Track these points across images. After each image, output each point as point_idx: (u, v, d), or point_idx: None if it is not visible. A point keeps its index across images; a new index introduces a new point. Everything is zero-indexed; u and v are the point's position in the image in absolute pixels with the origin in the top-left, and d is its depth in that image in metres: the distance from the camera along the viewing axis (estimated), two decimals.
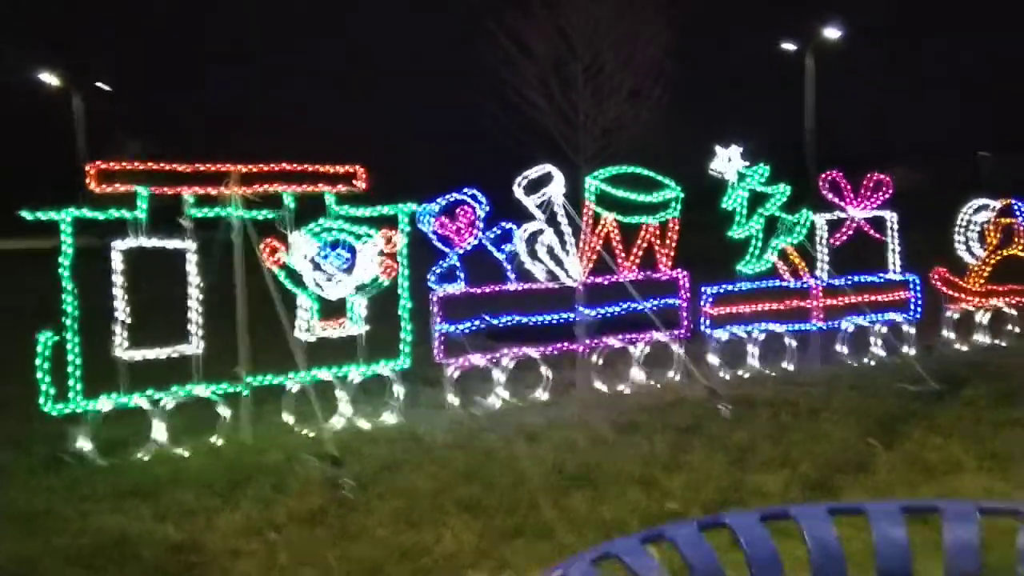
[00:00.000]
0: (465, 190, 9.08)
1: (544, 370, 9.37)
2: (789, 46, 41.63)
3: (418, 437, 7.97)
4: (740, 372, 10.25)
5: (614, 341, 9.86)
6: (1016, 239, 12.00)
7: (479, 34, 13.74)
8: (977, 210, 11.93)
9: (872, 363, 10.66)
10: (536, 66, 13.62)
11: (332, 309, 8.44)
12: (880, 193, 11.13)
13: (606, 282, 9.69)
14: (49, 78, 42.79)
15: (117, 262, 7.42)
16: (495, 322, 9.19)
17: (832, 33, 40.18)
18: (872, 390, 9.25)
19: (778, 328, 10.59)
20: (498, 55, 13.65)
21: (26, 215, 7.16)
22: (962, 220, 11.87)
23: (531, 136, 14.05)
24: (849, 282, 10.92)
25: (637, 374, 9.83)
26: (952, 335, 11.63)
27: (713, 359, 10.28)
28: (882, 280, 11.18)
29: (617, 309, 9.94)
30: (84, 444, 7.35)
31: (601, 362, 9.77)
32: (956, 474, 6.63)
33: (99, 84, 45.41)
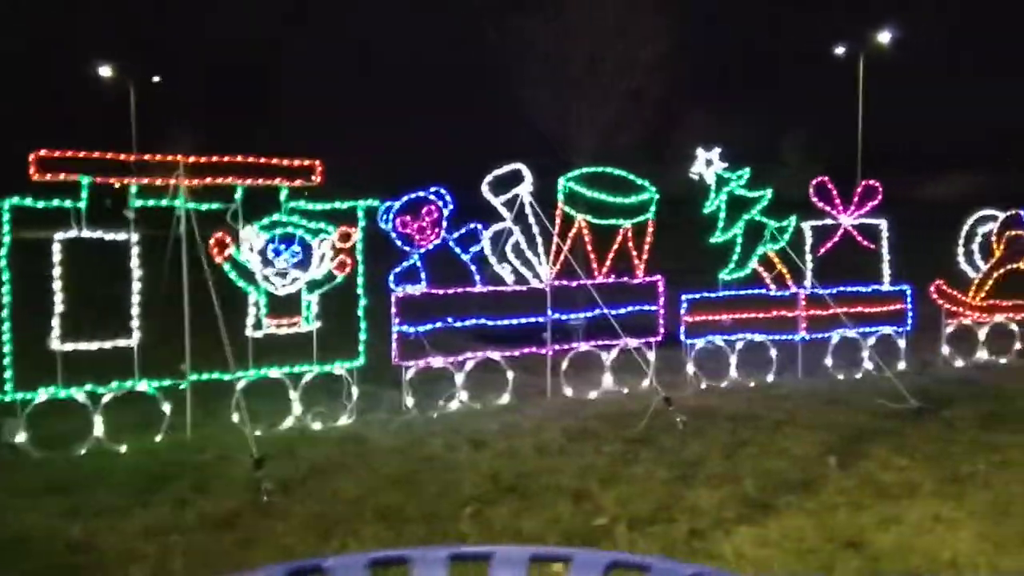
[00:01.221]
0: (431, 188, 8.86)
1: (509, 374, 9.13)
2: (840, 50, 41.20)
3: (363, 440, 7.77)
4: (720, 382, 9.90)
5: (585, 346, 9.58)
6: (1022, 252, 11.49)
7: (477, 32, 13.47)
8: (981, 221, 11.44)
9: (859, 377, 10.23)
10: (534, 65, 13.33)
11: (284, 306, 8.24)
12: (871, 200, 10.70)
13: (575, 285, 9.38)
14: (105, 70, 43.54)
15: (56, 253, 7.29)
16: (458, 325, 8.95)
17: (884, 37, 39.60)
18: (848, 405, 8.87)
19: (760, 338, 10.22)
20: (496, 53, 13.38)
21: None
22: (964, 232, 11.39)
23: (528, 135, 13.81)
24: (837, 292, 10.51)
25: (607, 381, 9.53)
26: (950, 351, 11.15)
27: (690, 368, 9.95)
28: (873, 291, 10.74)
29: (589, 314, 9.65)
30: (19, 436, 7.23)
31: (566, 367, 9.50)
32: (908, 498, 6.25)
33: (154, 78, 46.21)
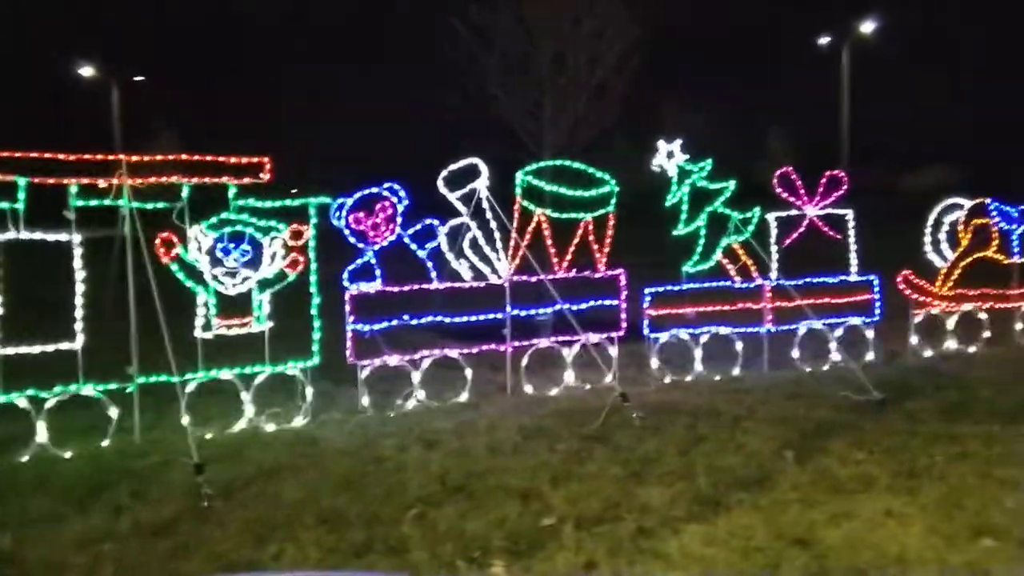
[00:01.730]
0: (385, 184, 8.71)
1: (468, 372, 9.00)
2: (824, 40, 41.15)
3: (315, 441, 7.62)
4: (684, 377, 9.79)
5: (547, 342, 9.45)
6: (991, 241, 11.42)
7: (441, 26, 13.29)
8: (947, 210, 11.36)
9: (825, 369, 10.13)
10: (499, 59, 13.17)
11: (235, 306, 8.08)
12: (837, 190, 10.60)
13: (535, 280, 9.24)
14: (86, 70, 42.98)
15: None
16: (414, 322, 8.81)
17: (868, 27, 39.54)
18: (810, 398, 8.76)
19: (725, 331, 10.12)
20: (460, 48, 13.21)
21: None
22: (932, 221, 11.30)
23: (495, 131, 13.65)
24: (804, 283, 10.41)
25: (569, 377, 9.41)
26: (919, 341, 11.07)
27: (654, 363, 9.84)
28: (840, 282, 10.65)
29: (549, 310, 9.54)
30: None
31: (529, 363, 9.38)
32: (862, 492, 6.15)
33: (136, 77, 45.63)
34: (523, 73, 13.28)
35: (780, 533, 5.48)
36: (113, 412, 7.55)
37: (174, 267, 7.74)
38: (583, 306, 9.55)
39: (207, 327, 7.92)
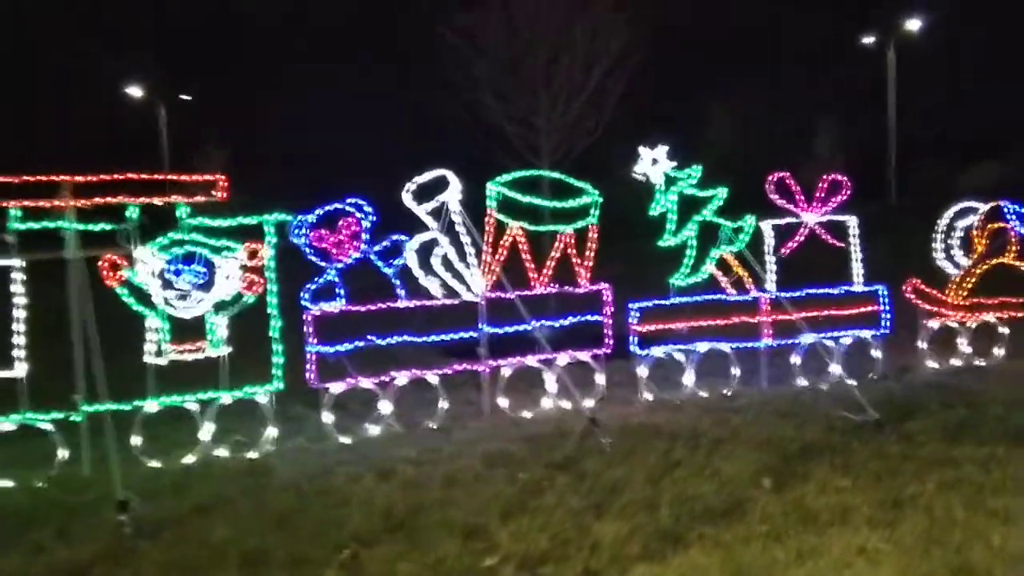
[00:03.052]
0: (348, 199, 8.34)
1: (441, 393, 8.59)
2: (870, 39, 40.46)
3: (267, 471, 7.24)
4: (675, 395, 9.28)
5: (532, 360, 8.99)
6: (1009, 246, 10.73)
7: (431, 32, 12.92)
8: (960, 214, 10.72)
9: (825, 388, 9.53)
10: (489, 64, 12.78)
11: (189, 330, 7.76)
12: (838, 196, 10.02)
13: (515, 296, 8.78)
14: (135, 90, 43.49)
15: None
16: (381, 343, 8.40)
17: (914, 24, 38.78)
18: (803, 418, 8.20)
19: (720, 347, 9.59)
20: (451, 54, 12.85)
21: None
22: (942, 226, 10.67)
23: (491, 140, 13.26)
24: (805, 295, 9.84)
25: (548, 398, 8.95)
26: (929, 353, 10.43)
27: (643, 381, 9.34)
28: (844, 292, 10.05)
29: (552, 323, 9.11)
30: None
31: (513, 383, 8.96)
32: (838, 525, 5.60)
33: (183, 96, 46.11)
34: (515, 77, 12.84)
35: (736, 574, 4.97)
36: (59, 442, 7.23)
37: (122, 290, 7.43)
38: (564, 322, 9.11)
39: (158, 353, 7.59)
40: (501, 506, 6.15)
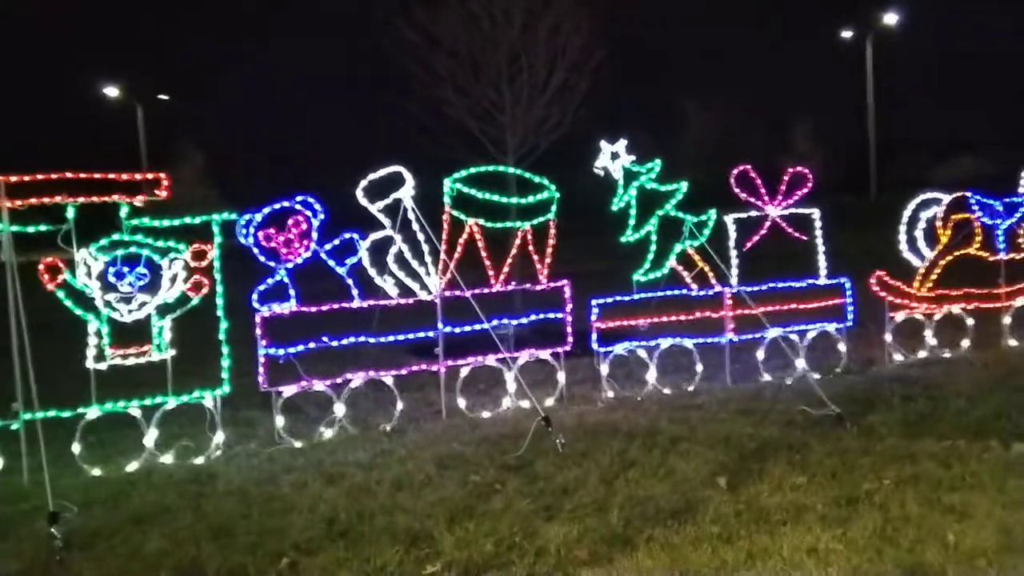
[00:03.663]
0: (298, 197, 8.14)
1: (397, 395, 8.41)
2: (847, 33, 40.53)
3: (212, 478, 7.02)
4: (637, 393, 9.14)
5: (491, 360, 8.82)
6: (974, 237, 10.65)
7: (384, 26, 12.67)
8: (923, 205, 10.62)
9: (790, 382, 9.40)
10: (448, 60, 12.56)
11: (133, 334, 7.53)
12: (801, 189, 9.90)
13: (468, 295, 8.59)
14: (111, 90, 42.98)
15: None
16: (334, 344, 8.21)
17: (891, 19, 38.90)
18: (764, 415, 8.07)
19: (686, 343, 9.45)
20: (407, 49, 12.61)
21: None
22: (905, 218, 10.56)
23: (455, 136, 13.03)
24: (768, 289, 9.71)
25: (508, 397, 8.78)
26: (897, 346, 10.34)
27: (605, 378, 9.19)
28: (808, 286, 9.94)
29: (518, 321, 8.97)
30: None
31: (471, 383, 8.80)
32: (791, 524, 5.47)
33: (161, 96, 45.68)
34: (475, 73, 12.64)
35: None
36: None
37: (61, 294, 7.20)
38: (524, 320, 8.96)
39: (100, 357, 7.37)
40: (448, 510, 5.98)
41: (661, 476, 6.48)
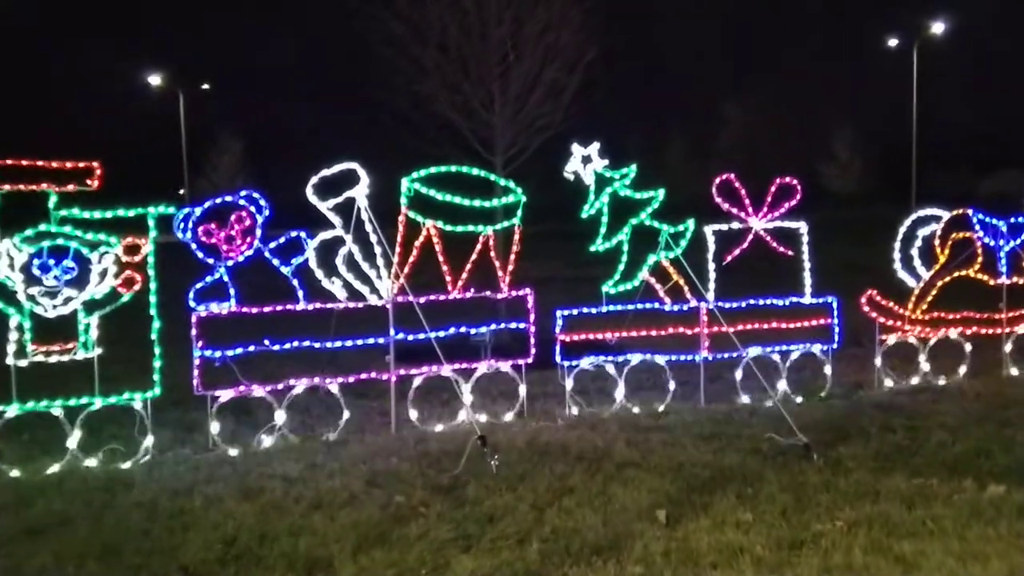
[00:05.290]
0: (242, 192, 7.75)
1: (344, 404, 7.99)
2: (893, 41, 39.77)
3: (126, 487, 6.62)
4: (603, 410, 8.64)
5: (446, 370, 8.35)
6: (975, 258, 10.04)
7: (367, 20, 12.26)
8: (920, 222, 10.03)
9: (769, 404, 8.84)
10: (435, 55, 12.13)
11: (58, 330, 7.15)
12: (787, 201, 9.35)
13: (422, 301, 8.14)
14: (155, 79, 43.28)
15: None
16: (275, 348, 7.80)
17: (938, 28, 38.08)
18: (728, 440, 7.54)
19: (658, 359, 8.94)
20: (393, 44, 12.20)
21: None
22: (902, 235, 9.97)
23: (444, 135, 12.62)
24: (748, 305, 9.18)
25: (464, 410, 8.32)
26: (887, 371, 9.75)
27: (569, 393, 8.70)
28: (791, 304, 9.39)
29: (485, 329, 8.55)
30: None
31: (422, 393, 8.37)
32: (720, 568, 4.97)
33: (204, 86, 46.00)
34: (464, 69, 12.20)
35: None
36: None
37: None
38: (483, 330, 8.51)
39: (21, 354, 7.00)
40: (360, 535, 5.53)
41: (597, 506, 5.99)
